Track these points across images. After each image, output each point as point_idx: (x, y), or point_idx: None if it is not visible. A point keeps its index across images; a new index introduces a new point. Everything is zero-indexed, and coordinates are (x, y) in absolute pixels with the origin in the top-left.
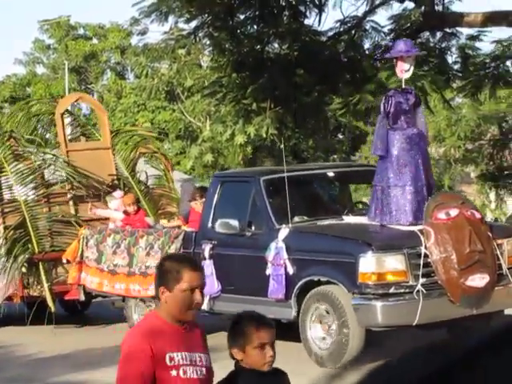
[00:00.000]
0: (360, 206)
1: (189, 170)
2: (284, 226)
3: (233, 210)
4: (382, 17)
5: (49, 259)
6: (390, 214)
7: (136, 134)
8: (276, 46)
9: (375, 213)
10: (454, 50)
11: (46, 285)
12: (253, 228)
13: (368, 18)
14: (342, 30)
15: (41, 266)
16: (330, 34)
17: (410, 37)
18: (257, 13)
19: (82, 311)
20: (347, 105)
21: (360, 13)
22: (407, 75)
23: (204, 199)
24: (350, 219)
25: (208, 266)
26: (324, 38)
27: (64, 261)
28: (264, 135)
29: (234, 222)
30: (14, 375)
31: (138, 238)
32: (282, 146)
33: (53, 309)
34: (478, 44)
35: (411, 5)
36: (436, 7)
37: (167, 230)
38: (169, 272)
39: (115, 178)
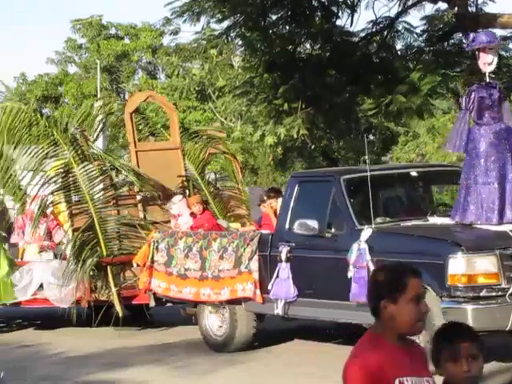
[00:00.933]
0: (443, 208)
1: (219, 170)
2: (366, 226)
3: (311, 210)
4: (415, 17)
5: (117, 263)
6: (479, 213)
7: (205, 134)
8: (308, 46)
9: (462, 212)
10: None
11: (114, 289)
12: (333, 229)
13: (400, 19)
14: (374, 30)
15: (109, 270)
16: (362, 34)
17: (442, 38)
18: (289, 13)
19: (145, 314)
20: (379, 106)
21: (392, 13)
22: (491, 68)
23: (272, 200)
24: (435, 220)
25: (284, 269)
26: (356, 39)
27: (134, 265)
28: (295, 136)
29: (313, 223)
30: (44, 374)
31: (211, 241)
32: (313, 146)
33: (121, 314)
34: (511, 45)
35: (444, 5)
36: (469, 8)
37: (242, 233)
38: (390, 282)
39: (184, 179)
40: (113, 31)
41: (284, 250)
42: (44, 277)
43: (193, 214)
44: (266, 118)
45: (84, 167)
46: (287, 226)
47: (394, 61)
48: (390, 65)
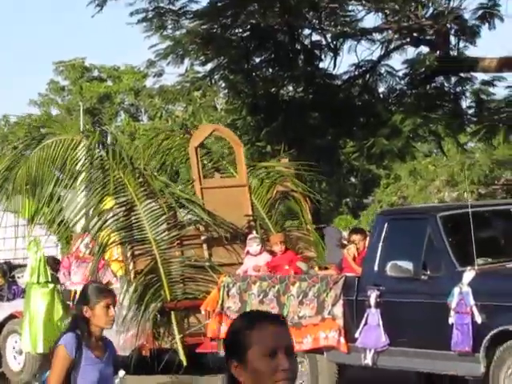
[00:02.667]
0: None
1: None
2: (468, 268)
3: (403, 251)
4: (397, 61)
5: (181, 308)
6: None
7: (273, 171)
8: (291, 88)
9: None
10: (468, 94)
11: (178, 336)
12: (429, 271)
13: (383, 62)
14: (356, 73)
15: (173, 316)
16: (345, 77)
17: (424, 81)
18: (272, 56)
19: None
20: (361, 148)
21: (375, 57)
22: None
23: (359, 242)
24: None
25: (374, 316)
26: (339, 82)
27: (202, 312)
28: None
29: (407, 265)
30: None
31: (289, 285)
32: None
33: (185, 363)
34: (492, 89)
35: (426, 49)
36: (451, 52)
37: (323, 276)
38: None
39: (251, 218)
40: (95, 73)
41: (373, 295)
42: None
43: (272, 253)
44: (249, 160)
45: (147, 205)
46: (376, 268)
47: (376, 103)
48: (372, 107)
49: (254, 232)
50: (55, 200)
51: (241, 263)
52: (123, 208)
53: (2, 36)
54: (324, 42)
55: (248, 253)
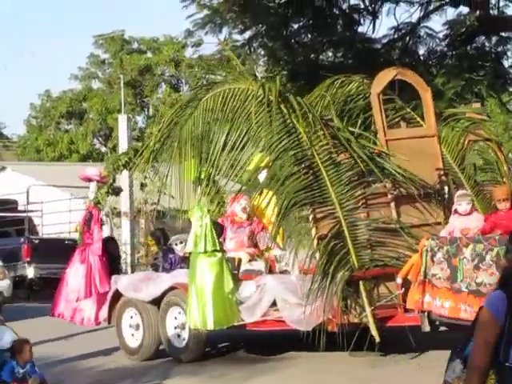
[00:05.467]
0: None
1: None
2: None
3: None
4: (437, 22)
5: (370, 277)
6: None
7: (464, 118)
8: (330, 54)
9: None
10: (510, 53)
11: (368, 309)
12: None
13: (422, 24)
14: (396, 36)
15: (361, 286)
16: (385, 40)
17: (465, 42)
18: (310, 22)
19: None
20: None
21: (414, 19)
22: None
23: None
24: None
25: None
26: (378, 45)
27: (399, 280)
28: None
29: None
30: None
31: (462, 247)
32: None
33: (377, 339)
34: None
35: (466, 9)
36: (491, 11)
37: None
38: None
39: (443, 172)
40: (135, 45)
41: None
42: (278, 294)
43: (495, 211)
44: None
45: (328, 160)
46: None
47: (417, 66)
48: (413, 70)
49: (446, 188)
50: (225, 156)
51: (436, 223)
52: (302, 165)
53: (41, 11)
54: (362, 6)
55: (456, 212)
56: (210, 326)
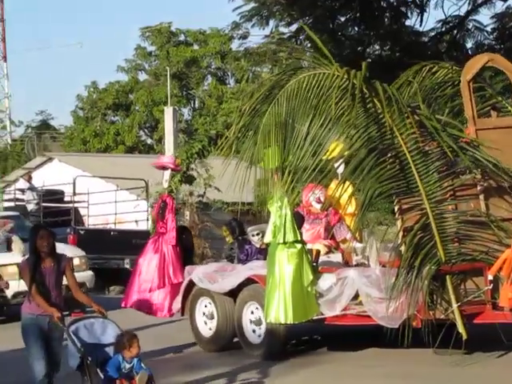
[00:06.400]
0: None
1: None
2: None
3: None
4: (485, 16)
5: (457, 271)
6: None
7: None
8: (377, 47)
9: None
10: None
11: (455, 305)
12: None
13: (470, 17)
14: (443, 29)
15: (448, 281)
16: (432, 34)
17: None
18: (357, 15)
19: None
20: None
21: (462, 12)
22: None
23: None
24: None
25: None
26: (425, 39)
27: (489, 277)
28: None
29: None
30: None
31: None
32: None
33: (465, 336)
34: None
35: None
36: None
37: None
38: None
39: None
40: (182, 38)
41: None
42: (361, 287)
43: None
44: None
45: (419, 150)
46: None
47: (465, 60)
48: (460, 64)
49: None
50: (308, 144)
51: None
52: (388, 155)
53: (88, 4)
54: None
55: None
56: (289, 320)
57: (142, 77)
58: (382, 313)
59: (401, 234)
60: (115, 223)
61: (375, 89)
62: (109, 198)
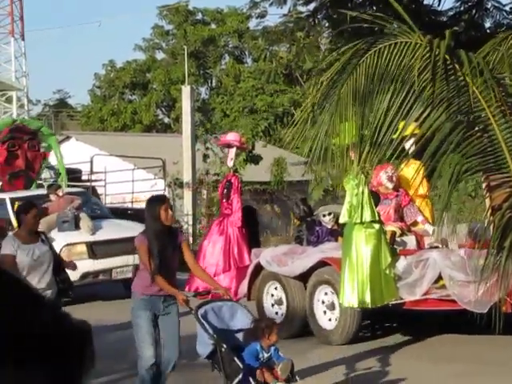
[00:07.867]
0: None
1: (306, 153)
2: None
3: None
4: None
5: None
6: None
7: None
8: (396, 26)
9: None
10: None
11: None
12: None
13: None
14: (462, 9)
15: None
16: (450, 13)
17: None
18: None
19: None
20: None
21: None
22: None
23: None
24: None
25: None
26: (444, 18)
27: None
28: None
29: None
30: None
31: None
32: None
33: None
34: None
35: None
36: None
37: None
38: None
39: None
40: (199, 17)
41: None
42: (444, 270)
43: None
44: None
45: (508, 124)
46: None
47: (483, 40)
48: (479, 44)
49: None
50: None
51: None
52: (476, 128)
53: None
54: None
55: None
56: (367, 305)
57: (160, 56)
58: (468, 297)
59: (489, 213)
60: (132, 202)
61: (460, 59)
62: (126, 176)
